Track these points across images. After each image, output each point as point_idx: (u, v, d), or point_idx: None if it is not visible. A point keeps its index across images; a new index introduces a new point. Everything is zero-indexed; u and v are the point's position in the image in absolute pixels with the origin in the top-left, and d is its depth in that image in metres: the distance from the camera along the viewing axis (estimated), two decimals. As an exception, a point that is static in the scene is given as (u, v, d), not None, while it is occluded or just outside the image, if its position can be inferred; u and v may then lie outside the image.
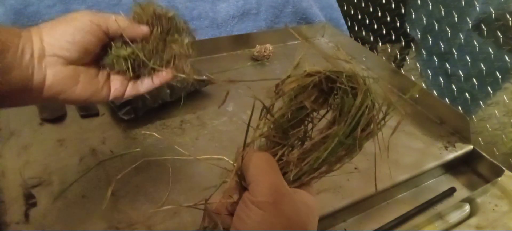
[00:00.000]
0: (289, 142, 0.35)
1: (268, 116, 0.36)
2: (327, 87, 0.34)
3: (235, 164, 0.35)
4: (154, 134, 0.63)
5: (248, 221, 0.30)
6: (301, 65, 0.35)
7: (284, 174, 0.34)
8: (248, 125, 0.35)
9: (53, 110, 0.63)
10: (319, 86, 0.35)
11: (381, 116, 0.35)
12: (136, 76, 0.44)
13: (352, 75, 0.34)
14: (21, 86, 0.36)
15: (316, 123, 0.37)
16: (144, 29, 0.43)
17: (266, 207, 0.30)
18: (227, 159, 0.58)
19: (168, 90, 0.66)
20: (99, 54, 0.42)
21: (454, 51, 0.92)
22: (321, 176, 0.35)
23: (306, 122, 0.36)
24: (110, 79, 0.43)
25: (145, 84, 0.44)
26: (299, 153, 0.35)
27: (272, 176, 0.32)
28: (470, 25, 0.89)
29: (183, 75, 0.44)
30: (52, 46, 0.38)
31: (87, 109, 0.65)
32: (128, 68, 0.42)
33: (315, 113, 0.36)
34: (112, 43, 0.42)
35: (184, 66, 0.44)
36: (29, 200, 0.49)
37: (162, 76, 0.44)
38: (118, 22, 0.41)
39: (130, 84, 0.44)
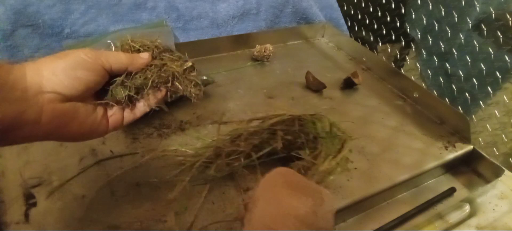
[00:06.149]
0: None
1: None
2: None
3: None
4: (154, 133, 0.63)
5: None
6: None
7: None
8: None
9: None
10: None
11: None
12: (133, 104, 0.45)
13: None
14: (10, 122, 0.34)
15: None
16: (144, 57, 0.44)
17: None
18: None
19: (168, 90, 0.67)
20: (97, 90, 0.42)
21: (454, 51, 0.92)
22: None
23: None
24: (107, 113, 0.43)
25: (140, 107, 0.45)
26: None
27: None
28: (470, 25, 0.89)
29: (178, 91, 0.47)
30: (51, 82, 0.36)
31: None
32: (127, 96, 0.43)
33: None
34: (117, 78, 0.42)
35: (180, 85, 0.46)
36: (29, 200, 0.49)
37: (156, 95, 0.45)
38: (120, 59, 0.42)
39: (127, 112, 0.45)
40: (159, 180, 0.54)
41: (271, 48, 0.89)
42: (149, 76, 0.43)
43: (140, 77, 0.43)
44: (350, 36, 1.13)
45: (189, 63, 0.47)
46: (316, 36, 1.05)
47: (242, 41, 0.93)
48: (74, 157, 0.56)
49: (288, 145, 0.55)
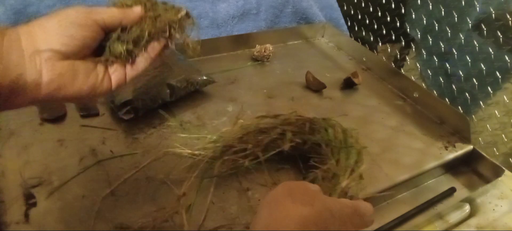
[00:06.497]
0: None
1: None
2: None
3: None
4: (154, 134, 0.63)
5: None
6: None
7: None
8: None
9: (53, 110, 0.63)
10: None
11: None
12: (133, 58, 0.44)
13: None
14: (10, 86, 0.34)
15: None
16: (137, 10, 0.43)
17: None
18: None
19: (168, 91, 0.66)
20: (95, 49, 0.41)
21: (454, 51, 0.92)
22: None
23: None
24: (109, 70, 0.43)
25: (141, 60, 0.44)
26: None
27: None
28: (470, 25, 0.89)
29: (177, 40, 0.45)
30: (46, 41, 0.36)
31: (87, 109, 0.65)
32: (125, 50, 0.42)
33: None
34: (112, 34, 0.42)
35: (177, 34, 0.45)
36: (29, 200, 0.49)
37: (154, 46, 0.44)
38: (113, 13, 0.41)
39: (129, 67, 0.44)
40: (162, 178, 0.54)
41: (271, 48, 0.89)
42: (145, 27, 0.43)
43: (136, 30, 0.43)
44: (350, 36, 1.13)
45: (183, 11, 0.46)
46: (316, 36, 1.05)
47: (242, 41, 0.93)
48: (74, 157, 0.56)
49: (296, 147, 0.55)
